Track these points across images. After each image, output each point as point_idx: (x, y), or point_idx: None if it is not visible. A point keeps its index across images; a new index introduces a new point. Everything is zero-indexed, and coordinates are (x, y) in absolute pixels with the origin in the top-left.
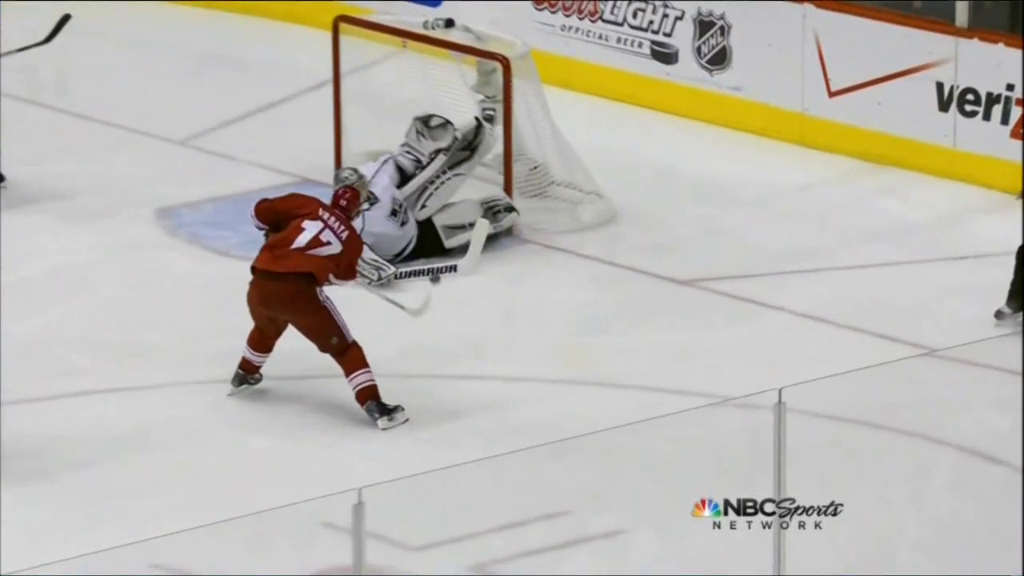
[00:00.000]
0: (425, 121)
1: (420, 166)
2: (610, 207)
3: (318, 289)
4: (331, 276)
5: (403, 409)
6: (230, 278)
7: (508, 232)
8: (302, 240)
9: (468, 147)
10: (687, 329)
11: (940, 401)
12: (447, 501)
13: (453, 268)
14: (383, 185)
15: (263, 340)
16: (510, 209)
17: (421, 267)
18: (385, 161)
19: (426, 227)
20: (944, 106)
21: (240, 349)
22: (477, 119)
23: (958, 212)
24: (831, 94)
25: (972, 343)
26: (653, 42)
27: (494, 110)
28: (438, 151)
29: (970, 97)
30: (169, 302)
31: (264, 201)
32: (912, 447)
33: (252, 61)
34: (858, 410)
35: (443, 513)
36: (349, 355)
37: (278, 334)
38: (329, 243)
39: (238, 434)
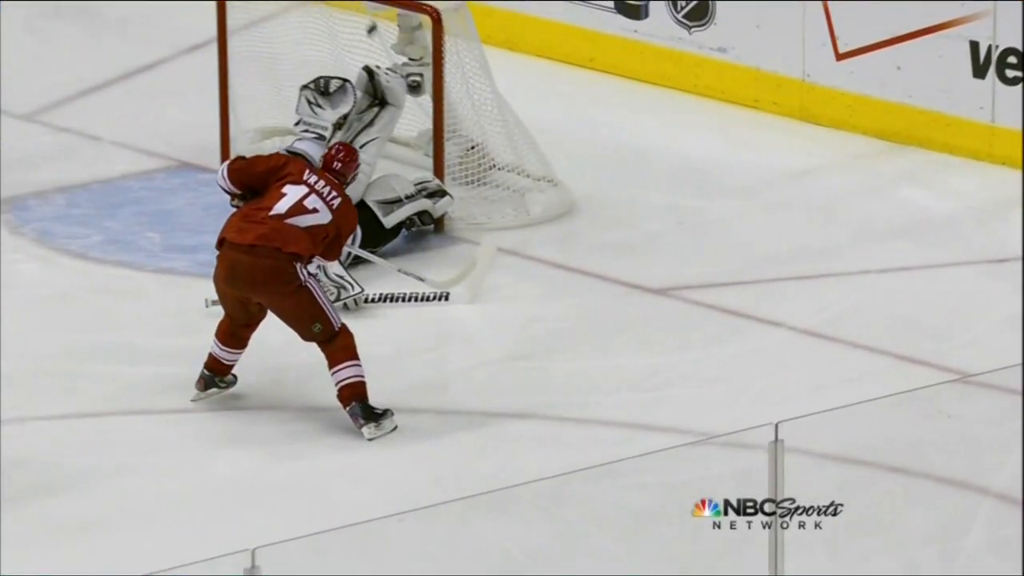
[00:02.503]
0: (319, 88)
1: (325, 143)
2: (565, 197)
3: (299, 265)
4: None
5: (392, 414)
6: (89, 287)
7: (437, 227)
8: (282, 206)
9: (373, 101)
10: (661, 350)
11: (975, 439)
12: (365, 562)
13: (444, 296)
14: None
15: (234, 332)
16: (443, 193)
17: (403, 293)
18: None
19: (360, 209)
20: (980, 71)
21: (107, 375)
22: (366, 68)
23: (996, 203)
24: (839, 56)
25: (1016, 366)
26: None
27: (420, 75)
28: (342, 119)
29: (1012, 60)
30: (12, 317)
31: (238, 159)
32: (943, 496)
33: (114, 14)
34: (874, 450)
35: None
36: (335, 344)
37: (251, 324)
38: (315, 210)
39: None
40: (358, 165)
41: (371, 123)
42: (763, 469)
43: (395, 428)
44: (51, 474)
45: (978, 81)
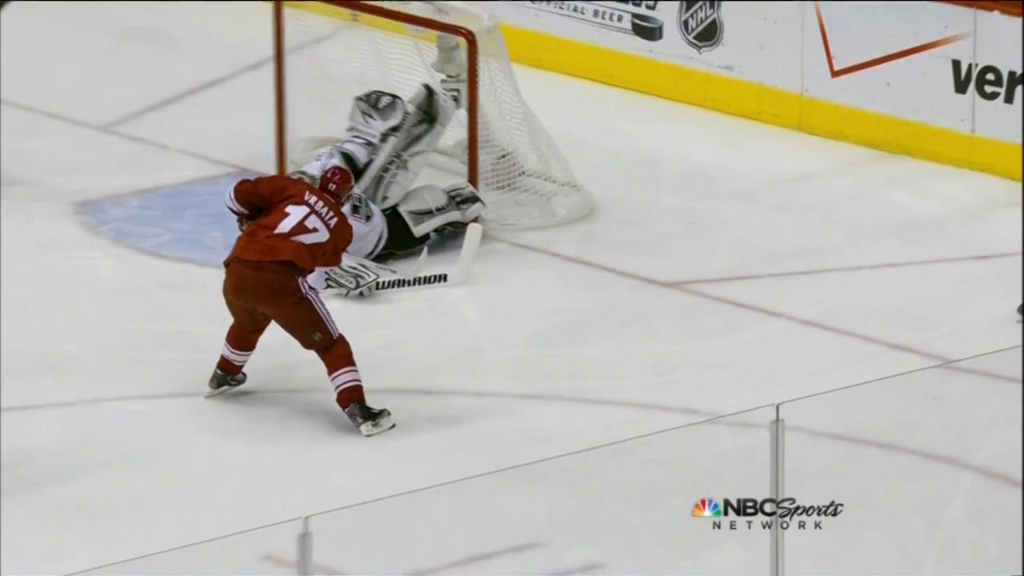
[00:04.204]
0: (371, 101)
1: (372, 150)
2: (586, 200)
3: (300, 279)
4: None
5: (389, 414)
6: (160, 282)
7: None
8: (286, 225)
9: (425, 117)
10: (672, 338)
11: (959, 419)
12: (403, 531)
13: (443, 278)
14: None
15: (242, 336)
16: (475, 199)
17: (407, 277)
18: (331, 154)
19: (392, 217)
20: (961, 87)
21: (173, 361)
22: (426, 86)
23: (978, 205)
24: (834, 73)
25: (995, 352)
26: (634, 15)
27: (457, 91)
28: (390, 130)
29: (990, 76)
30: (91, 309)
31: (245, 182)
32: (928, 471)
33: (182, 36)
34: (866, 429)
35: (398, 544)
36: (333, 351)
37: (258, 329)
38: (315, 230)
39: (209, 442)
40: (352, 187)
41: (419, 137)
42: (765, 447)
43: (393, 426)
44: (112, 452)
45: (959, 96)
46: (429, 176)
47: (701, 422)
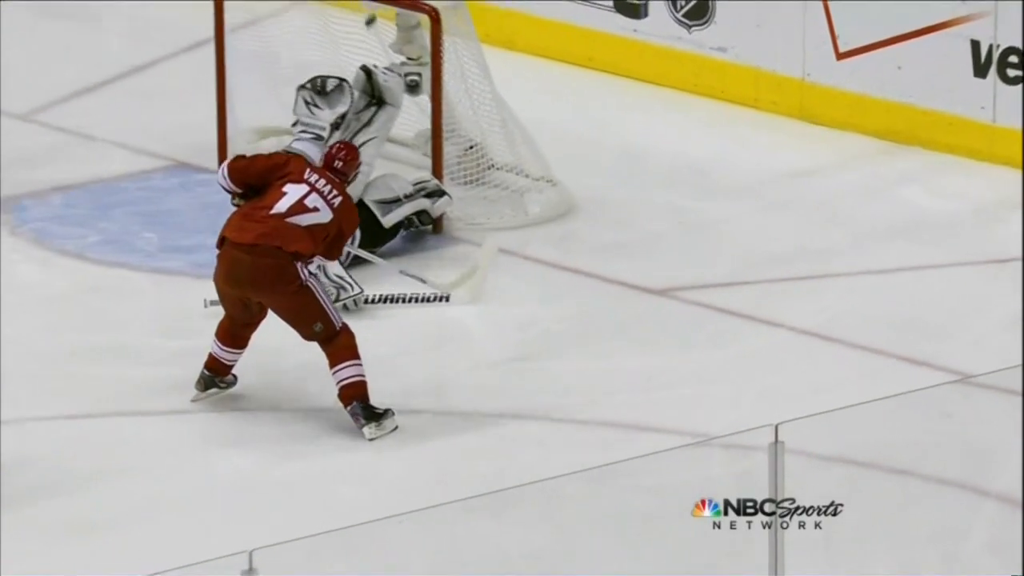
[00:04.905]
0: (316, 88)
1: (324, 143)
2: (564, 197)
3: (300, 264)
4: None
5: (393, 414)
6: (87, 288)
7: (436, 228)
8: (282, 205)
9: (371, 101)
10: (660, 351)
11: (977, 440)
12: (360, 565)
13: (445, 298)
14: None
15: (234, 332)
16: (441, 193)
17: (404, 294)
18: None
19: (359, 209)
20: (981, 71)
21: (104, 377)
22: (363, 67)
23: (997, 204)
24: (839, 56)
25: (1016, 367)
26: None
27: (419, 75)
28: (339, 118)
29: (1013, 59)
30: (11, 319)
31: (239, 158)
32: (942, 497)
33: (109, 14)
34: (874, 452)
35: None
36: (336, 343)
37: (252, 323)
38: (316, 209)
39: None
40: (359, 164)
41: (369, 122)
42: (763, 471)
43: (396, 428)
44: (49, 476)
45: (979, 80)
46: (388, 169)
47: (692, 444)
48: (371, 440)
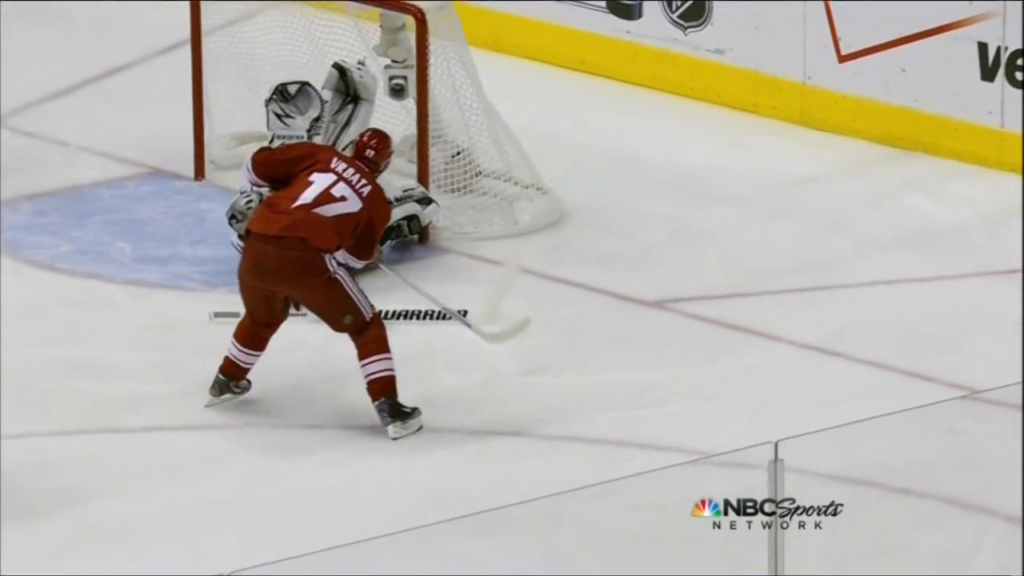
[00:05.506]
0: (282, 97)
1: None
2: (554, 205)
3: (328, 256)
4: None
5: (419, 413)
6: (59, 300)
7: (422, 237)
8: (308, 195)
9: (346, 99)
10: (655, 365)
11: (986, 457)
12: None
13: (463, 313)
14: None
15: (254, 331)
16: (428, 201)
17: (417, 310)
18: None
19: None
20: (989, 74)
21: (77, 392)
22: (335, 65)
23: (1006, 211)
24: (841, 59)
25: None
26: None
27: (404, 78)
28: (314, 122)
29: (1021, 62)
30: None
31: (263, 150)
32: (950, 517)
33: (81, 15)
34: (878, 470)
35: None
36: (366, 335)
37: (273, 324)
38: (344, 198)
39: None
40: (391, 153)
41: (348, 123)
42: (762, 489)
43: (420, 428)
44: (16, 496)
45: (987, 84)
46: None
47: (689, 462)
48: (394, 439)
